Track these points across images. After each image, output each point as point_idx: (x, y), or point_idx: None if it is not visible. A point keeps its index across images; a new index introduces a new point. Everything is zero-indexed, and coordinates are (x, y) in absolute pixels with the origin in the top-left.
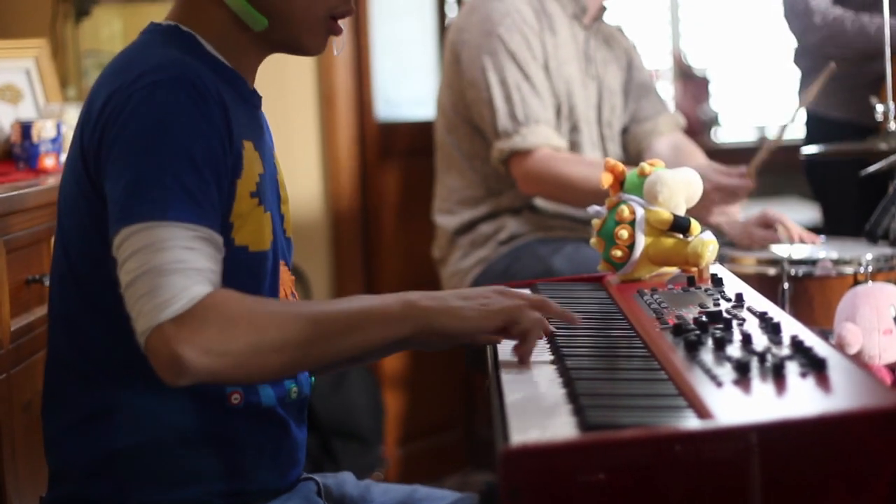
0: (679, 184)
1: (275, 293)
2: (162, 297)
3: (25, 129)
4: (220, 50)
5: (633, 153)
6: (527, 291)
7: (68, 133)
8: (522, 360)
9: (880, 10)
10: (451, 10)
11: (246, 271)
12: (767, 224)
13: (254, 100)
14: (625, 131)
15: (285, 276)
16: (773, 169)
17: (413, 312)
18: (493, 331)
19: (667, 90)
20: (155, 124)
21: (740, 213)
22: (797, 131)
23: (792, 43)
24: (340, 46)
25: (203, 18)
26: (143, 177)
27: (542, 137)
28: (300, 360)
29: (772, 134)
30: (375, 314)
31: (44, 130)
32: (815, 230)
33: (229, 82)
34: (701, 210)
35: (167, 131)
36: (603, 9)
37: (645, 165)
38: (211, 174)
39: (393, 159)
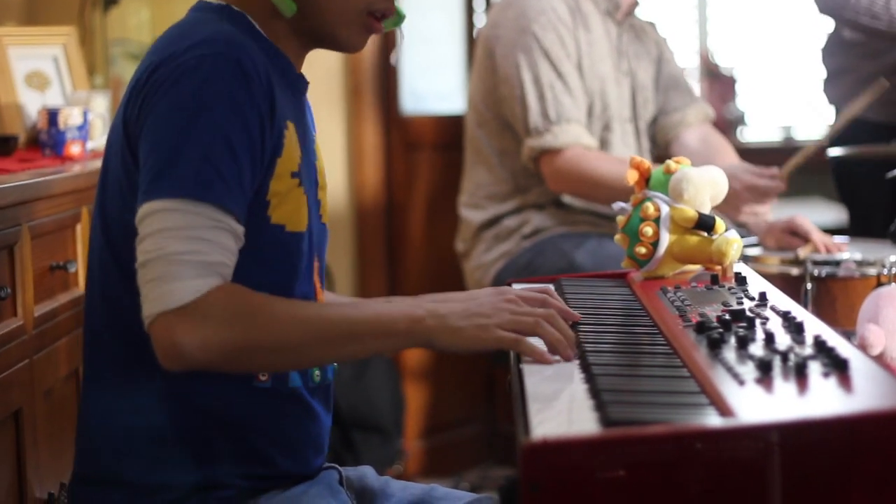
0: (704, 182)
1: (309, 277)
2: (169, 285)
3: (52, 115)
4: (268, 33)
5: (661, 144)
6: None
7: (95, 121)
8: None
9: None
10: (479, 5)
11: (282, 250)
12: (794, 231)
13: (299, 84)
14: (653, 122)
15: (316, 264)
16: (800, 169)
17: (416, 331)
18: (494, 349)
19: (694, 89)
20: (196, 99)
21: (769, 214)
22: (823, 132)
23: (819, 41)
24: (394, 59)
25: (250, 5)
26: (176, 152)
27: (573, 136)
28: (295, 362)
29: (799, 136)
30: (379, 328)
31: (70, 118)
32: (841, 231)
33: (277, 64)
34: (731, 208)
35: (208, 108)
36: (635, 4)
37: (671, 163)
38: (246, 158)
39: (418, 153)
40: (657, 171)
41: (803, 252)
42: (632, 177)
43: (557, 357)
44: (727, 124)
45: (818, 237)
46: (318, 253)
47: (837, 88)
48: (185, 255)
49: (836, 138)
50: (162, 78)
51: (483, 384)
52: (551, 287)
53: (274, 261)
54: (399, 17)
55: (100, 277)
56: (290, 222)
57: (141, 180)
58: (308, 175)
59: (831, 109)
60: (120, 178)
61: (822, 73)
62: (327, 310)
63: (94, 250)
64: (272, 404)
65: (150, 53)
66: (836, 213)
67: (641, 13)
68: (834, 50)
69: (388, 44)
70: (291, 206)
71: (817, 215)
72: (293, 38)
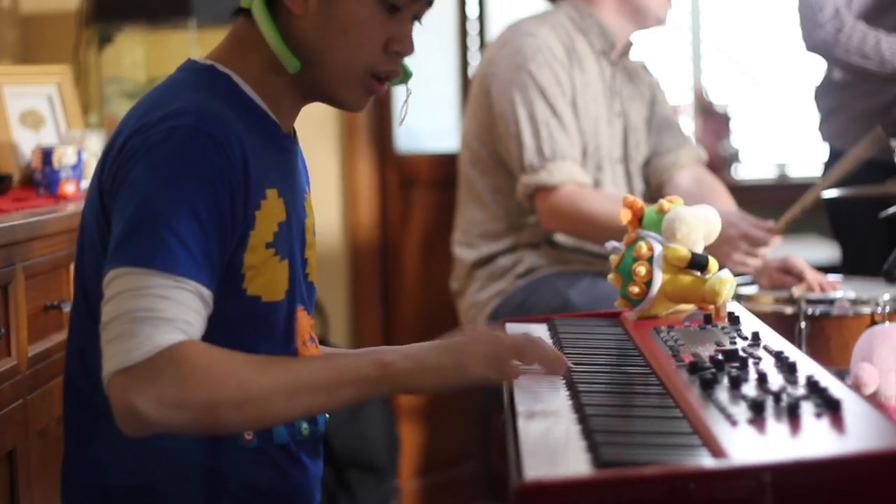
0: (697, 221)
1: (289, 342)
2: (125, 343)
3: (46, 154)
4: (258, 92)
5: (654, 185)
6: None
7: (89, 160)
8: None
9: None
10: (474, 44)
11: (258, 321)
12: (788, 270)
13: (286, 144)
14: (646, 164)
15: (304, 322)
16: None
17: (388, 375)
18: (475, 383)
19: (688, 126)
20: (164, 170)
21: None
22: (817, 168)
23: (813, 79)
24: (402, 116)
25: (244, 61)
26: (140, 221)
27: (568, 174)
28: (261, 418)
29: (800, 174)
30: (347, 376)
31: (65, 157)
32: (834, 269)
33: (261, 126)
34: (722, 255)
35: (174, 179)
36: (630, 45)
37: (664, 202)
38: (214, 227)
39: (413, 191)
40: (650, 210)
41: (797, 291)
42: (625, 216)
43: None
44: (721, 162)
45: (812, 276)
46: (307, 311)
47: (831, 127)
48: (142, 311)
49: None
50: (134, 148)
51: (478, 423)
52: (541, 338)
53: (250, 330)
54: (406, 75)
55: (77, 327)
56: (266, 293)
57: (109, 248)
58: (291, 237)
59: (825, 148)
60: (95, 241)
61: (816, 112)
62: (293, 362)
63: (74, 303)
64: (259, 461)
65: (126, 120)
66: (830, 251)
67: (635, 54)
68: (827, 89)
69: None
70: (267, 276)
71: (811, 252)
72: (290, 92)
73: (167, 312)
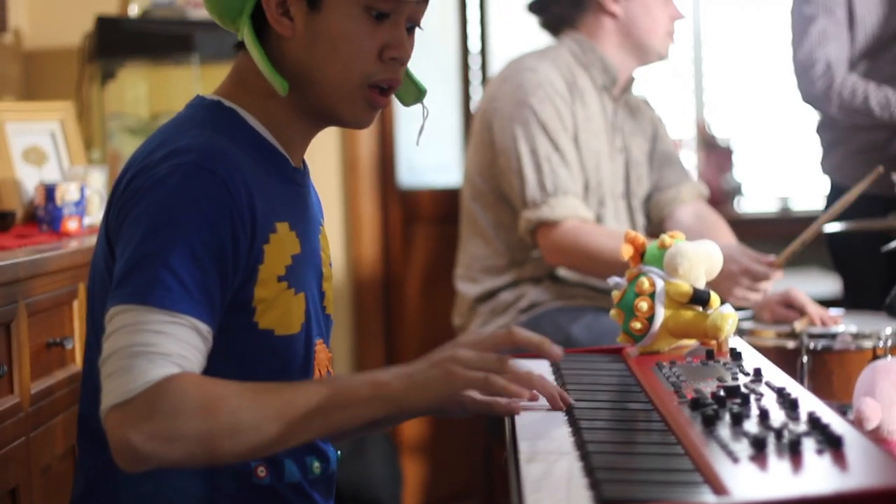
0: (699, 256)
1: (306, 375)
2: (121, 379)
3: (49, 191)
4: (266, 125)
5: (655, 221)
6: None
7: (92, 196)
8: (512, 408)
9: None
10: (476, 79)
11: (272, 355)
12: (790, 304)
13: (296, 177)
14: (647, 199)
15: (322, 355)
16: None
17: (381, 395)
18: (463, 393)
19: (690, 159)
20: (164, 208)
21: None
22: (820, 202)
23: (815, 115)
24: (419, 135)
25: (248, 92)
26: (139, 258)
27: (570, 209)
28: (257, 445)
29: (803, 208)
30: (340, 398)
31: (67, 193)
32: (836, 302)
33: (270, 160)
34: (723, 290)
35: (173, 217)
36: (632, 80)
37: (665, 238)
38: (213, 265)
39: (415, 226)
40: (652, 245)
41: (799, 325)
42: (626, 251)
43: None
44: (724, 195)
45: (814, 310)
46: (326, 344)
47: (831, 161)
48: (138, 346)
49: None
50: (137, 186)
51: (481, 458)
52: (543, 375)
53: (264, 364)
54: (420, 92)
55: (89, 365)
56: (279, 326)
57: (112, 285)
58: (307, 270)
59: (827, 182)
60: (105, 283)
61: (818, 146)
62: (286, 387)
63: (87, 340)
64: (271, 500)
65: (134, 159)
66: (832, 284)
67: (637, 89)
68: (827, 124)
69: (385, 117)
70: (280, 310)
71: (813, 285)
72: (296, 119)
73: (163, 347)
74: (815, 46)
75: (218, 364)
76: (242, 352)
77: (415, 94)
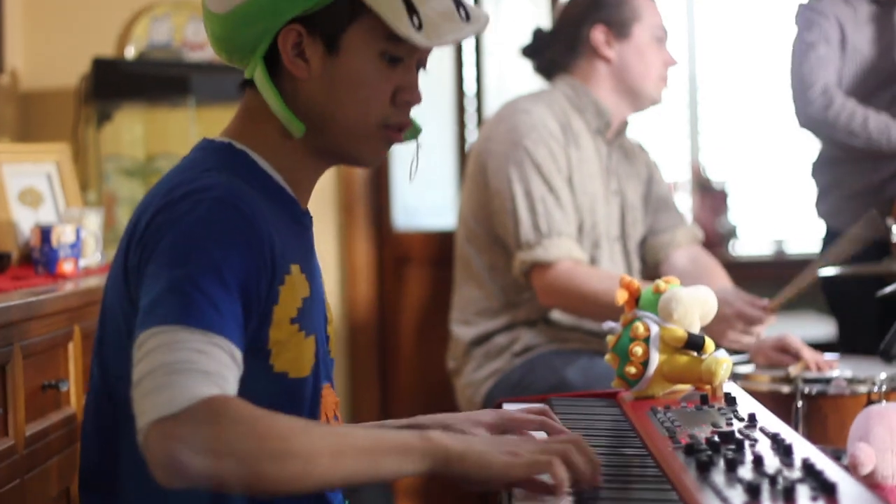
0: (694, 302)
1: (315, 418)
2: (164, 394)
3: (45, 233)
4: (275, 166)
5: (650, 264)
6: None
7: (87, 238)
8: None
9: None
10: (471, 121)
11: (286, 397)
12: (785, 349)
13: (305, 220)
14: (642, 242)
15: (329, 399)
16: (791, 283)
17: (432, 449)
18: (517, 483)
19: (685, 202)
20: (192, 237)
21: (758, 336)
22: (815, 245)
23: (810, 157)
24: (413, 171)
25: (258, 133)
26: (169, 285)
27: (565, 250)
28: (303, 476)
29: (798, 251)
30: (392, 445)
31: (63, 235)
32: (831, 346)
33: (280, 202)
34: (717, 333)
35: (199, 244)
36: (626, 124)
37: (660, 282)
38: (238, 291)
39: (411, 269)
40: (647, 290)
41: (794, 370)
42: (621, 296)
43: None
44: (719, 238)
45: (809, 355)
46: (333, 388)
47: (827, 204)
48: (181, 363)
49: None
50: (159, 224)
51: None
52: (547, 407)
53: (276, 406)
54: (416, 130)
55: (94, 410)
56: (293, 369)
57: (138, 318)
58: (315, 313)
59: (821, 224)
60: (119, 328)
61: (813, 188)
62: (337, 426)
63: (91, 386)
64: None
65: (148, 200)
66: (827, 327)
67: (632, 132)
68: (822, 166)
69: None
70: (293, 352)
71: (808, 329)
72: (308, 158)
73: (204, 366)
74: (814, 70)
75: None
76: (256, 394)
77: (411, 132)
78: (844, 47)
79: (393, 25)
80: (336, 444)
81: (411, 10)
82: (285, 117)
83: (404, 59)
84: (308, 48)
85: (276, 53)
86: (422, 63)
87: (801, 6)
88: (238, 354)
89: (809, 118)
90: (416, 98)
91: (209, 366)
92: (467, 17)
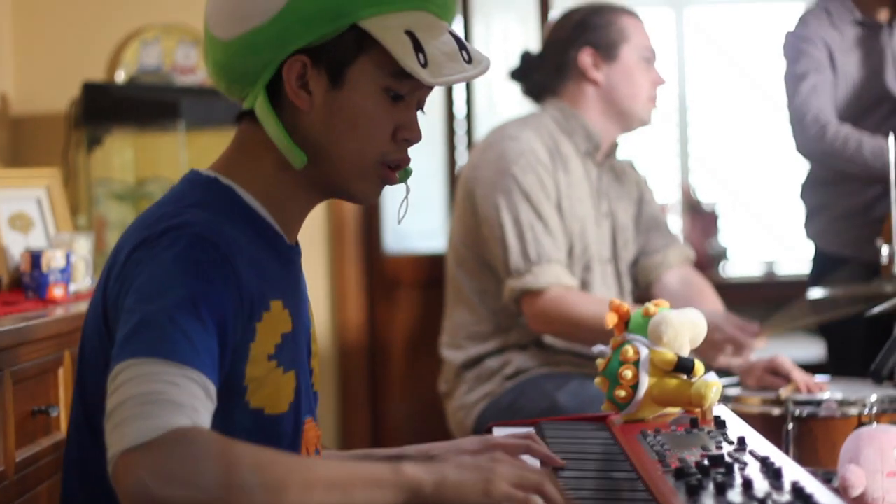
0: (683, 325)
1: (294, 453)
2: (135, 425)
3: (35, 258)
4: (264, 201)
5: (642, 285)
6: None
7: (77, 263)
8: None
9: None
10: (461, 143)
11: (262, 434)
12: (775, 371)
13: (290, 254)
14: (634, 263)
15: (311, 433)
16: (781, 305)
17: (405, 481)
18: None
19: (675, 224)
20: (169, 272)
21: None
22: (805, 266)
23: (799, 178)
24: (403, 213)
25: (251, 166)
26: (144, 318)
27: (554, 277)
28: None
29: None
30: (364, 477)
31: (53, 260)
32: (822, 367)
33: (265, 238)
34: (708, 356)
35: (176, 279)
36: (615, 145)
37: (650, 306)
38: (213, 326)
39: (401, 292)
40: (636, 313)
41: (785, 392)
42: (611, 320)
43: None
44: (709, 260)
45: (799, 377)
46: (315, 422)
47: (816, 225)
48: (152, 395)
49: (814, 274)
50: (138, 259)
51: None
52: (533, 431)
53: (253, 442)
54: (406, 173)
55: (76, 440)
56: (269, 405)
57: (114, 349)
58: (298, 348)
59: (811, 245)
60: (98, 358)
61: (802, 209)
62: (304, 458)
63: (73, 415)
64: None
65: (129, 233)
66: (817, 349)
67: (622, 152)
68: (812, 187)
69: None
70: (270, 388)
71: (798, 350)
72: (301, 192)
73: (176, 397)
74: (807, 98)
75: None
76: (233, 430)
77: (403, 173)
78: (834, 71)
79: (401, 60)
80: (307, 476)
81: (418, 47)
82: (287, 148)
83: (406, 97)
84: (312, 80)
85: (278, 83)
86: (421, 103)
87: (788, 34)
88: (212, 388)
89: (806, 147)
90: (416, 136)
91: (181, 398)
92: (469, 59)
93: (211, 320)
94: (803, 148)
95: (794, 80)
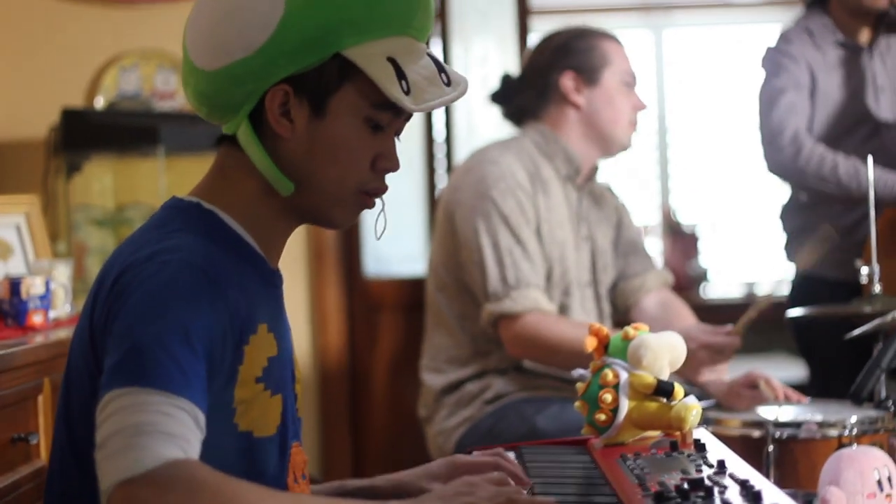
0: (663, 348)
1: (280, 478)
2: (128, 456)
3: (14, 285)
4: (246, 226)
5: (621, 309)
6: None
7: (57, 290)
8: None
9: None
10: (441, 166)
11: (251, 456)
12: (753, 384)
13: (274, 280)
14: (613, 287)
15: (297, 458)
16: (761, 325)
17: None
18: None
19: (656, 246)
20: (157, 298)
21: (727, 372)
22: (785, 289)
23: (780, 200)
24: (381, 229)
25: (231, 191)
26: (134, 345)
27: (532, 301)
28: None
29: (761, 292)
30: None
31: (33, 287)
32: (802, 388)
33: (249, 262)
34: (689, 370)
35: (165, 305)
36: (595, 169)
37: (629, 329)
38: (202, 352)
39: (381, 316)
40: (616, 337)
41: (768, 393)
42: (590, 344)
43: None
44: (690, 281)
45: (777, 384)
46: (301, 446)
47: (796, 248)
48: (145, 426)
49: (794, 295)
50: (125, 284)
51: None
52: (501, 450)
53: (241, 464)
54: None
55: (59, 469)
56: (257, 428)
57: (103, 378)
58: (283, 372)
59: (791, 267)
60: (84, 386)
61: (783, 231)
62: (299, 495)
63: (56, 444)
64: None
65: (114, 259)
66: (798, 370)
67: (602, 176)
68: (793, 210)
69: None
70: (258, 411)
71: (779, 371)
72: (280, 218)
73: (168, 428)
74: (784, 116)
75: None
76: (222, 452)
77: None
78: (814, 92)
79: (385, 90)
80: None
81: (400, 74)
82: (272, 175)
83: (385, 127)
84: (294, 108)
85: (260, 110)
86: (398, 131)
87: (768, 49)
88: (201, 418)
89: (779, 165)
90: (394, 166)
91: (173, 428)
92: (448, 81)
93: (200, 346)
94: (775, 165)
95: (771, 94)
